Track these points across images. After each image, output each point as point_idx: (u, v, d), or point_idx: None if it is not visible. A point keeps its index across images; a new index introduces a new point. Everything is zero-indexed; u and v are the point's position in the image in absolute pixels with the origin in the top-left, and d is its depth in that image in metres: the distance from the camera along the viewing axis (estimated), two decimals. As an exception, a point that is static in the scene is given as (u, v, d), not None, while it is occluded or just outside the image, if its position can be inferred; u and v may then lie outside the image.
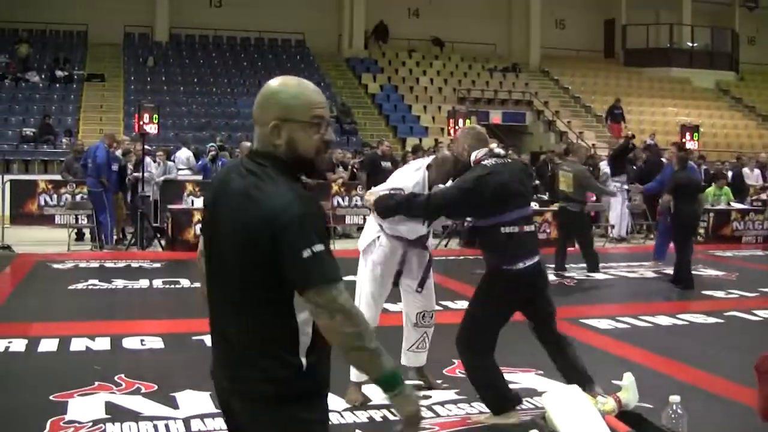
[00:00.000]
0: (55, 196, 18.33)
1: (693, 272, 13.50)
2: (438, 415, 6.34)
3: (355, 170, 20.84)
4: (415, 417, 3.00)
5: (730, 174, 22.93)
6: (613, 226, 20.02)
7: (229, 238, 2.97)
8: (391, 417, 6.24)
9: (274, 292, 2.93)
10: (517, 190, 6.24)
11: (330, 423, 5.82)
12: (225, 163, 19.66)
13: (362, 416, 6.29)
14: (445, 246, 18.26)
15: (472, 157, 6.26)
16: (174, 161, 20.92)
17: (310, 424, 3.04)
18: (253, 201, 2.91)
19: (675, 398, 4.31)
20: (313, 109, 3.10)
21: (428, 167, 6.55)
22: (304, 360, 3.00)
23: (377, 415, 6.30)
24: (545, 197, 19.77)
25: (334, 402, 6.54)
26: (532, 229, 6.41)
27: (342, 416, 6.27)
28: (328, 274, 2.89)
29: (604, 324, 9.98)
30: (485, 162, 6.19)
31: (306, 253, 2.82)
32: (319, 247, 2.86)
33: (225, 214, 3.01)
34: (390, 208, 6.29)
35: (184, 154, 21.65)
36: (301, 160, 3.08)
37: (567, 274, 13.88)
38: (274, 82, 3.12)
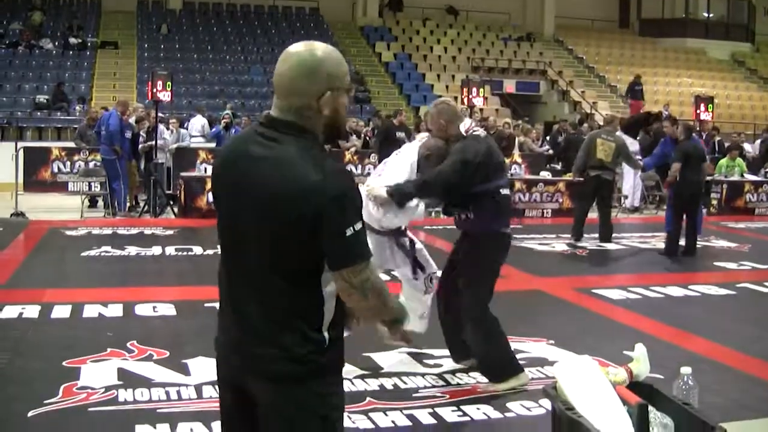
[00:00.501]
0: (68, 163, 18.42)
1: (706, 243, 13.49)
2: (448, 384, 6.36)
3: (368, 138, 20.82)
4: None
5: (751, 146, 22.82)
6: (626, 197, 19.98)
7: (259, 208, 2.86)
8: (402, 386, 6.26)
9: (307, 264, 2.87)
10: (502, 156, 6.67)
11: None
12: (238, 131, 19.67)
13: (373, 383, 6.31)
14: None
15: (462, 129, 6.35)
16: (187, 128, 20.92)
17: (329, 398, 3.02)
18: (290, 173, 2.81)
19: (686, 369, 4.30)
20: (348, 75, 3.06)
21: (427, 157, 6.53)
22: (326, 334, 2.97)
23: (388, 383, 6.32)
24: (558, 167, 19.73)
25: (346, 369, 6.56)
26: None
27: (353, 383, 6.29)
28: (365, 253, 2.88)
29: (615, 294, 9.98)
30: (477, 132, 6.33)
31: (349, 231, 2.79)
32: (359, 225, 2.83)
33: (251, 184, 2.88)
34: (409, 194, 6.33)
35: (198, 121, 21.67)
36: (338, 128, 3.06)
37: (579, 244, 13.86)
38: (314, 50, 2.98)
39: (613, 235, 14.28)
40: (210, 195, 15.58)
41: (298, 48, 2.98)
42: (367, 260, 2.87)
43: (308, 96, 2.91)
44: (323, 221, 2.76)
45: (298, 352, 2.89)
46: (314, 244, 2.80)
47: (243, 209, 2.91)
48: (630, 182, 19.95)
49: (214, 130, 20.86)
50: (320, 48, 3.00)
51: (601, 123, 16.76)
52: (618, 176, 19.73)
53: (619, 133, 14.82)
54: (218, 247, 3.15)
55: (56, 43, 31.23)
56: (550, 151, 21.91)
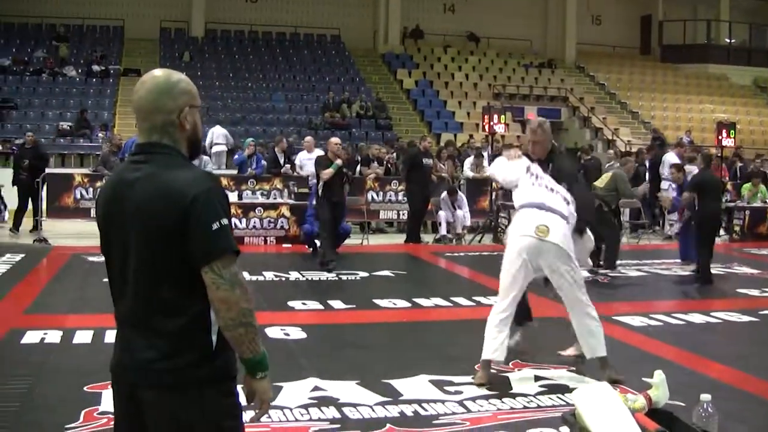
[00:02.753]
0: (90, 189, 18.46)
1: (728, 270, 13.41)
2: (469, 411, 6.34)
3: (389, 166, 20.86)
4: (269, 402, 3.17)
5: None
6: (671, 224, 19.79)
7: (137, 223, 3.02)
8: (422, 413, 6.25)
9: (191, 271, 2.99)
10: None
11: (361, 417, 5.86)
12: (260, 158, 19.77)
13: (393, 410, 6.30)
14: (479, 242, 18.25)
15: (562, 147, 6.75)
16: (210, 138, 21.50)
17: (223, 405, 3.10)
18: (157, 183, 3.01)
19: (706, 397, 4.30)
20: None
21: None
22: (214, 338, 3.07)
23: (408, 410, 6.32)
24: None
25: (365, 396, 6.57)
26: None
27: (373, 410, 6.28)
28: (233, 246, 3.03)
29: (636, 321, 9.94)
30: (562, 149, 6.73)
31: (215, 226, 2.96)
32: (225, 221, 3.01)
33: (127, 205, 3.05)
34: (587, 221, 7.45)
35: (219, 130, 22.47)
36: (197, 141, 3.26)
37: (601, 271, 13.82)
38: (169, 73, 3.24)
39: (634, 261, 14.22)
40: (233, 219, 15.60)
41: (152, 73, 3.24)
42: (235, 254, 3.03)
43: (170, 112, 3.13)
44: (190, 220, 2.95)
45: (188, 359, 3.01)
46: (189, 248, 2.97)
47: (122, 229, 3.07)
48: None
49: (237, 157, 20.94)
50: (172, 71, 3.26)
51: (623, 150, 16.77)
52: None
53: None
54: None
55: (79, 71, 31.50)
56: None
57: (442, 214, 18.36)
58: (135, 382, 3.08)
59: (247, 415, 3.19)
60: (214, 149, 22.77)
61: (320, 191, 13.87)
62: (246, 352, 3.06)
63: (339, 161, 13.92)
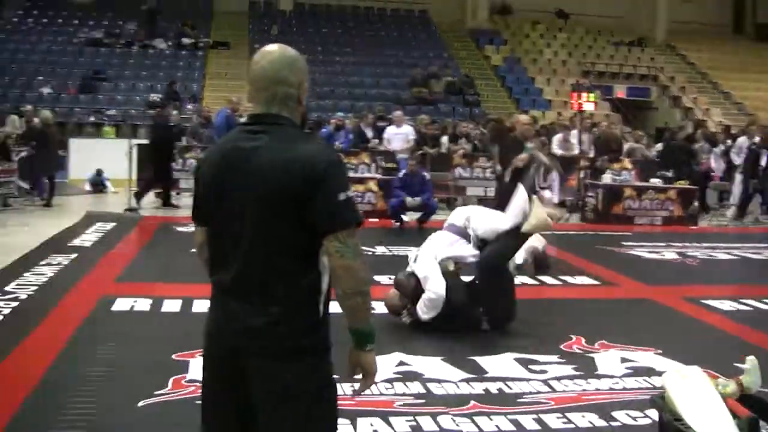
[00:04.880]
0: (180, 160, 18.68)
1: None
2: (554, 390, 6.30)
3: (476, 143, 20.76)
4: (374, 374, 3.25)
5: None
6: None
7: (259, 193, 3.04)
8: (507, 391, 6.24)
9: (308, 240, 3.06)
10: None
11: (445, 393, 5.88)
12: (347, 132, 19.83)
13: (478, 387, 6.29)
14: (567, 220, 18.11)
15: None
16: None
17: (326, 373, 3.17)
18: (284, 152, 3.06)
19: (799, 384, 4.22)
20: None
21: None
22: (321, 309, 3.14)
23: (493, 387, 6.30)
24: (669, 174, 19.40)
25: (450, 372, 6.58)
26: None
27: (458, 386, 6.28)
28: (359, 217, 3.11)
29: (726, 305, 9.77)
30: None
31: (342, 196, 3.02)
32: (351, 192, 3.09)
33: (246, 173, 3.07)
34: None
35: None
36: (306, 118, 3.36)
37: (689, 253, 13.64)
38: (287, 48, 3.28)
39: (724, 244, 14.01)
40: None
41: (274, 47, 3.26)
42: (358, 225, 3.09)
43: (291, 85, 3.18)
44: (319, 188, 2.99)
45: (298, 326, 3.07)
46: (313, 214, 3.01)
47: (235, 198, 3.10)
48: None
49: (324, 131, 21.04)
50: (290, 48, 3.29)
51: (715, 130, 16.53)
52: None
53: None
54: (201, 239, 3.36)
55: (169, 43, 31.91)
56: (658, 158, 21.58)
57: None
58: (240, 348, 3.10)
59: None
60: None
61: (507, 179, 11.88)
62: (359, 321, 3.13)
63: (530, 143, 12.03)
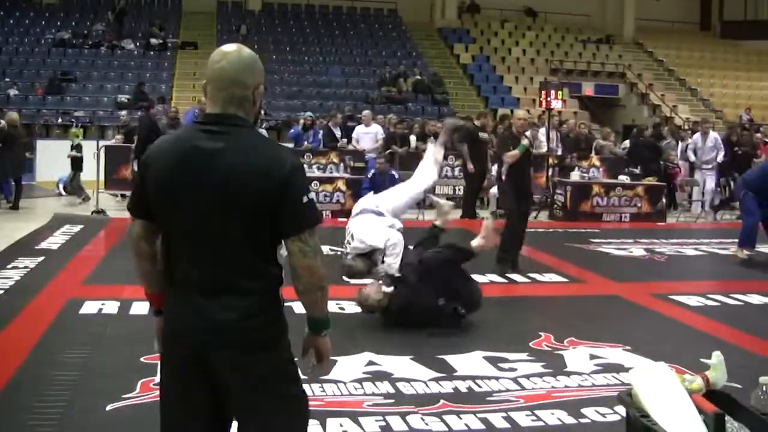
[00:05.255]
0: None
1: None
2: (523, 388, 6.32)
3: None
4: (329, 357, 3.45)
5: None
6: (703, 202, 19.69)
7: (226, 193, 3.14)
8: (476, 389, 6.25)
9: (271, 236, 3.23)
10: None
11: (415, 393, 5.89)
12: (317, 132, 19.80)
13: (447, 386, 6.30)
14: (535, 218, 18.16)
15: None
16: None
17: (292, 361, 3.35)
18: (253, 157, 3.18)
19: (765, 379, 4.24)
20: None
21: None
22: (281, 298, 3.33)
23: (462, 386, 6.32)
24: (636, 171, 19.52)
25: (419, 371, 6.59)
26: None
27: (427, 385, 6.29)
28: (319, 218, 3.32)
29: (693, 301, 9.84)
30: None
31: (305, 199, 3.20)
32: (312, 195, 3.26)
33: (213, 174, 3.15)
34: None
35: None
36: (257, 119, 3.54)
37: (657, 249, 13.72)
38: (247, 49, 3.38)
39: (692, 240, 14.10)
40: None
41: (233, 47, 3.36)
42: (318, 225, 3.26)
43: (248, 87, 3.28)
44: (285, 191, 3.14)
45: (267, 320, 3.25)
46: (276, 215, 3.16)
47: (205, 197, 3.17)
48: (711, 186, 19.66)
49: (292, 131, 21.01)
50: (247, 48, 3.41)
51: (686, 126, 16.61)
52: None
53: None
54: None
55: (137, 44, 31.78)
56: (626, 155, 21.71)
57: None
58: (209, 343, 3.20)
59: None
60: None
61: (504, 177, 11.63)
62: (317, 312, 3.35)
63: (526, 140, 11.54)
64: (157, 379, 6.11)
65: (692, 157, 20.00)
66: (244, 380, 3.22)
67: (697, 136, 20.26)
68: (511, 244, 11.33)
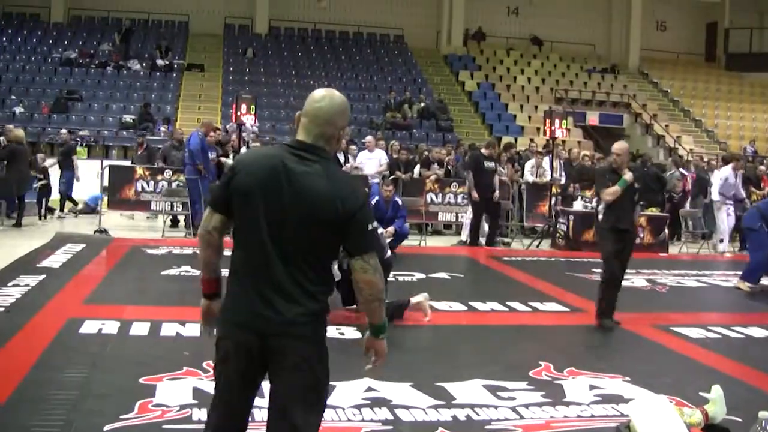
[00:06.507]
0: (152, 182, 18.65)
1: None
2: (522, 417, 6.30)
3: (449, 168, 20.84)
4: (385, 356, 4.08)
5: None
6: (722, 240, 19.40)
7: (305, 208, 3.75)
8: (474, 417, 6.23)
9: (332, 251, 3.90)
10: None
11: (413, 420, 5.87)
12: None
13: (446, 414, 6.27)
14: (537, 246, 18.16)
15: None
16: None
17: (326, 348, 3.96)
18: (331, 184, 3.78)
19: (765, 414, 4.23)
20: None
21: None
22: (327, 301, 3.95)
23: (461, 414, 6.29)
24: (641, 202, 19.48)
25: (418, 398, 6.56)
26: None
27: (426, 413, 6.26)
28: (378, 244, 3.98)
29: (694, 333, 9.81)
30: None
31: (370, 227, 3.87)
32: (375, 224, 3.95)
33: (297, 191, 3.76)
34: None
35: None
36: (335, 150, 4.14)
37: (659, 280, 13.69)
38: (341, 97, 4.01)
39: (695, 272, 14.06)
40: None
41: (331, 91, 4.02)
42: (377, 250, 3.91)
43: (337, 128, 3.92)
44: (354, 219, 3.78)
45: (321, 319, 3.90)
46: (340, 237, 3.81)
47: (287, 209, 3.77)
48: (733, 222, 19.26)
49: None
50: (341, 95, 4.04)
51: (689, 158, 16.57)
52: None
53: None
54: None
55: (143, 65, 31.90)
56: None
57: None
58: (270, 333, 3.78)
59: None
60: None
61: (600, 216, 10.28)
62: (376, 319, 3.98)
63: (629, 174, 10.13)
64: (156, 400, 6.15)
65: (718, 195, 19.24)
66: (296, 362, 3.79)
67: (729, 171, 19.52)
68: (608, 293, 10.07)
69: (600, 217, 10.24)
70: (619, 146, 10.37)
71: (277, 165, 3.80)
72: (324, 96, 3.94)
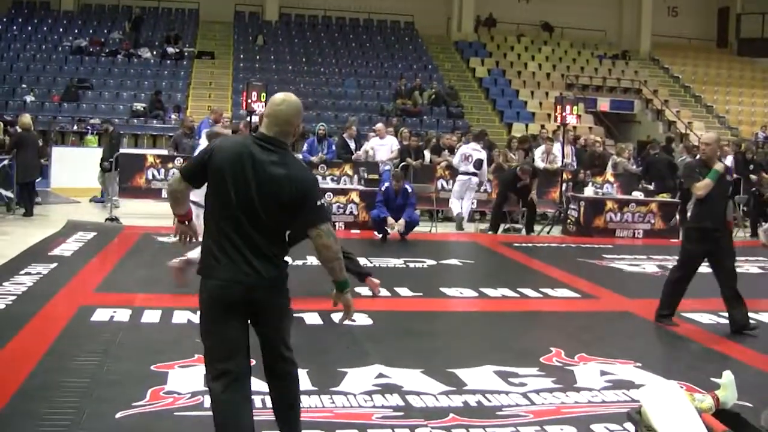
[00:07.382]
0: (162, 170, 18.66)
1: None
2: (533, 403, 6.31)
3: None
4: (353, 308, 4.94)
5: None
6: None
7: (268, 191, 4.56)
8: (486, 403, 6.23)
9: (289, 225, 4.70)
10: None
11: (424, 406, 5.88)
12: (331, 143, 19.80)
13: (457, 400, 6.28)
14: (548, 233, 18.14)
15: None
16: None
17: (288, 293, 4.84)
18: (290, 170, 4.63)
19: (776, 398, 4.23)
20: None
21: None
22: (288, 260, 4.84)
23: (472, 400, 6.30)
24: (650, 187, 19.46)
25: (429, 384, 6.57)
26: None
27: (437, 399, 6.27)
28: (330, 215, 4.99)
29: (706, 318, 9.82)
30: None
31: (319, 202, 4.72)
32: (324, 200, 4.84)
33: (262, 176, 4.57)
34: None
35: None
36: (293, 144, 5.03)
37: (670, 266, 13.65)
38: (297, 99, 4.84)
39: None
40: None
41: (289, 95, 4.83)
42: (331, 221, 4.85)
43: (293, 126, 4.77)
44: (307, 197, 4.64)
45: (283, 269, 4.75)
46: (296, 214, 4.63)
47: (254, 191, 4.57)
48: None
49: (309, 140, 21.01)
50: (296, 97, 4.89)
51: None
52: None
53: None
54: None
55: (154, 53, 31.89)
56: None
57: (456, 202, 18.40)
58: (255, 285, 4.60)
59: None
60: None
61: (689, 213, 9.86)
62: (337, 276, 4.78)
63: (720, 165, 9.36)
64: (168, 387, 6.18)
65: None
66: (274, 310, 4.75)
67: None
68: (671, 292, 9.82)
69: (688, 214, 9.77)
70: (708, 137, 9.59)
71: (244, 151, 4.63)
72: (283, 100, 4.77)
